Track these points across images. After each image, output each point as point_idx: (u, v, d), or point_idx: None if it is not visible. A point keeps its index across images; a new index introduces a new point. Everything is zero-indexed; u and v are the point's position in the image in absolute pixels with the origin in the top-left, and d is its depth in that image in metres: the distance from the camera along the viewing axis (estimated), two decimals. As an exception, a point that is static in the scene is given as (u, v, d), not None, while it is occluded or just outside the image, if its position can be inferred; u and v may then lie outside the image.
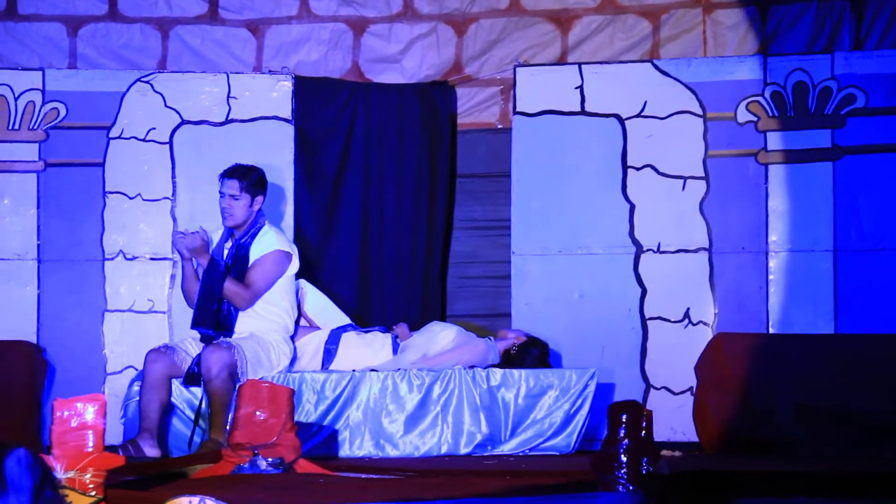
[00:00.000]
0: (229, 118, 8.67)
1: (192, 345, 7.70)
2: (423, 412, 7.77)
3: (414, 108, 9.01)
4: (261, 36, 9.09)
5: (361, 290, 8.94)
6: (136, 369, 8.10)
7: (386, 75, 9.12)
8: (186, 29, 9.04)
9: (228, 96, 8.67)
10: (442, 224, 9.03)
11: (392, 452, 7.71)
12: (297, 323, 8.02)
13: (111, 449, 6.49)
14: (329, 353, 8.03)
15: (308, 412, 7.67)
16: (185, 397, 7.64)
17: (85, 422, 5.20)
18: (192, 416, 7.60)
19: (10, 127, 8.51)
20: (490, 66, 9.09)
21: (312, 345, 8.05)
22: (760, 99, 8.44)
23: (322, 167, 8.95)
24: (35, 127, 8.52)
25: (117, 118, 8.58)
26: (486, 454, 7.75)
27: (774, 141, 8.42)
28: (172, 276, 8.50)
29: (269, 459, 6.21)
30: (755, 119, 8.44)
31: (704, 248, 8.46)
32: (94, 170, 8.56)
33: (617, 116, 8.60)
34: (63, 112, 8.54)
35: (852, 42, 8.56)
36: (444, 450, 7.75)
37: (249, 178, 7.79)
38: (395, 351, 8.09)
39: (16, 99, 8.52)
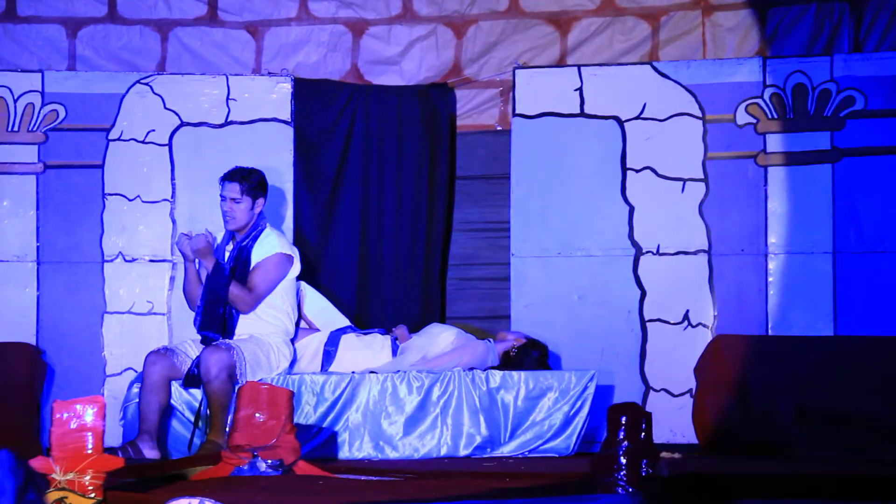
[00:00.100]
0: (228, 120, 8.67)
1: (191, 347, 7.70)
2: (423, 414, 7.77)
3: (413, 109, 9.01)
4: (260, 38, 9.09)
5: (361, 292, 8.94)
6: (136, 371, 8.09)
7: (385, 77, 9.12)
8: (186, 31, 9.04)
9: (228, 98, 8.67)
10: (441, 226, 9.03)
11: (391, 454, 7.71)
12: (296, 325, 8.02)
13: (110, 451, 6.49)
14: (328, 354, 8.03)
15: (307, 414, 7.66)
16: (185, 399, 7.64)
17: (84, 424, 5.20)
18: (192, 418, 7.60)
19: (10, 129, 8.51)
20: (489, 68, 9.09)
21: (312, 346, 8.05)
22: (760, 101, 8.44)
23: (321, 169, 8.96)
24: (34, 129, 8.52)
25: (116, 120, 8.58)
26: (485, 456, 7.75)
27: (774, 143, 8.42)
28: (172, 278, 8.50)
29: (269, 461, 6.21)
30: (754, 121, 8.44)
31: (704, 250, 8.46)
32: (93, 172, 8.56)
33: (616, 118, 8.60)
34: (62, 114, 8.54)
35: (851, 44, 8.57)
36: (443, 452, 7.75)
37: (250, 181, 7.79)
38: (394, 353, 8.09)
39: (15, 101, 8.52)
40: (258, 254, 7.77)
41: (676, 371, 8.34)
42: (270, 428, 6.28)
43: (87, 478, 5.13)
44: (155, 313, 8.51)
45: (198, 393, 7.55)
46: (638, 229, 8.53)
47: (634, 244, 8.52)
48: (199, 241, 7.67)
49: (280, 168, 8.57)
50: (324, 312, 8.32)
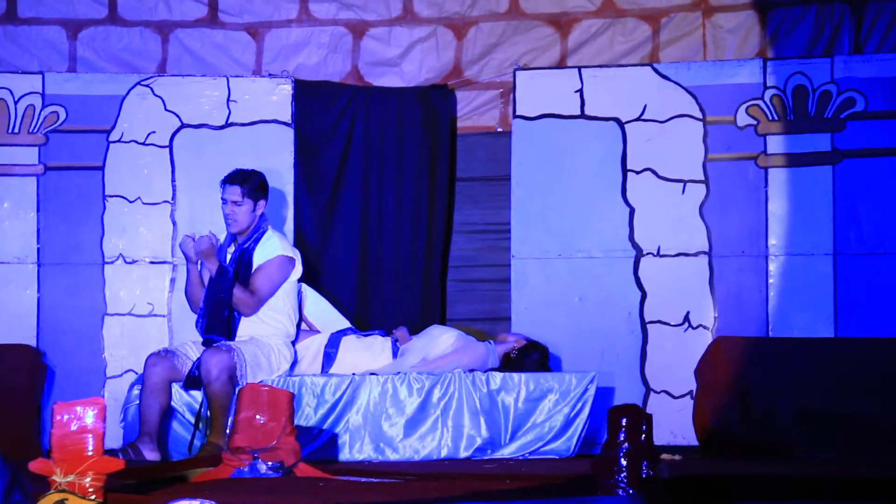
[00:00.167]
0: (229, 122, 8.67)
1: (192, 348, 7.70)
2: (423, 416, 7.77)
3: (414, 111, 9.01)
4: (260, 39, 9.10)
5: (361, 294, 8.94)
6: (136, 373, 8.09)
7: (385, 79, 9.12)
8: (186, 32, 9.04)
9: (228, 100, 8.67)
10: (441, 227, 9.03)
11: (392, 456, 7.71)
12: (297, 327, 8.02)
13: (111, 453, 6.49)
14: (329, 356, 8.03)
15: (308, 416, 7.66)
16: (185, 401, 7.63)
17: (85, 425, 5.19)
18: (193, 420, 7.60)
19: (10, 130, 8.51)
20: (490, 70, 9.09)
21: (312, 348, 8.05)
22: (760, 102, 8.44)
23: (322, 170, 8.96)
24: (35, 130, 8.52)
25: (117, 122, 8.58)
26: (485, 458, 7.74)
27: (774, 144, 8.42)
28: (172, 280, 8.50)
29: (269, 463, 6.21)
30: (755, 123, 8.44)
31: (704, 252, 8.46)
32: (93, 173, 8.56)
33: (617, 120, 8.60)
34: (63, 116, 8.54)
35: (852, 46, 8.57)
36: (443, 453, 7.75)
37: (251, 183, 7.79)
38: (394, 354, 8.09)
39: (15, 102, 8.52)
40: (260, 256, 7.77)
41: (677, 373, 8.34)
42: (271, 430, 6.27)
43: (88, 479, 5.12)
44: (155, 315, 8.51)
45: (198, 395, 7.55)
46: (638, 231, 8.53)
47: (635, 246, 8.52)
48: (202, 243, 7.67)
49: (280, 170, 8.57)
50: (324, 314, 8.32)
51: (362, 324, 8.64)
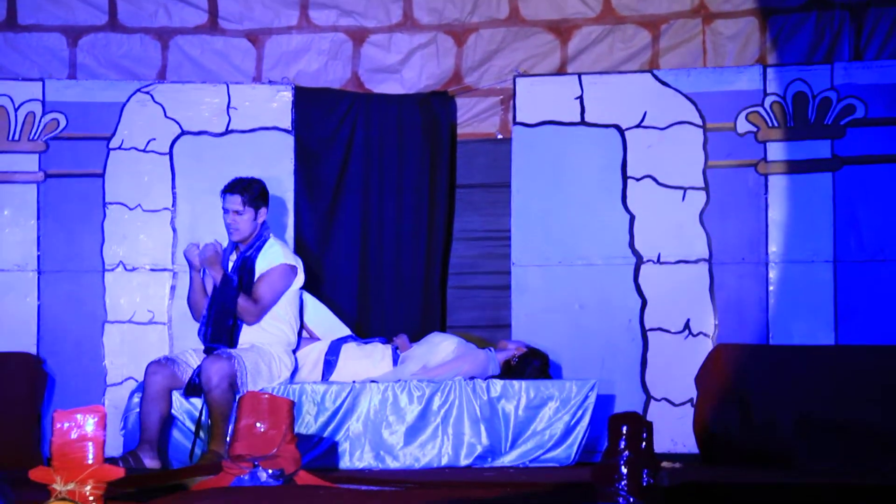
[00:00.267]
0: (229, 129, 8.67)
1: (192, 356, 7.70)
2: (424, 423, 7.77)
3: (414, 118, 9.02)
4: (261, 46, 9.10)
5: (361, 301, 8.94)
6: (137, 381, 8.09)
7: (385, 85, 9.12)
8: (186, 39, 9.04)
9: (228, 107, 8.67)
10: (442, 234, 9.03)
11: (392, 464, 7.70)
12: (298, 335, 8.01)
13: (111, 461, 6.48)
14: (329, 364, 8.02)
15: (308, 424, 7.66)
16: (186, 408, 7.63)
17: (85, 433, 5.19)
18: (193, 428, 7.59)
19: (10, 138, 8.51)
20: (490, 77, 9.09)
21: (312, 356, 8.05)
22: (760, 109, 8.44)
23: (322, 177, 8.96)
24: (35, 138, 8.52)
25: (117, 129, 8.58)
26: (486, 466, 7.74)
27: (774, 151, 8.42)
28: (173, 287, 8.50)
29: (270, 471, 6.20)
30: (755, 129, 8.44)
31: (704, 259, 8.46)
32: (94, 180, 8.56)
33: (617, 127, 8.60)
34: (63, 123, 8.54)
35: (852, 52, 8.57)
36: (444, 461, 7.74)
37: (251, 192, 7.78)
38: (395, 362, 8.08)
39: (16, 110, 8.52)
40: (262, 264, 7.76)
41: (677, 380, 8.34)
42: (271, 438, 6.27)
43: (88, 488, 5.12)
44: (156, 323, 8.51)
45: (198, 402, 7.54)
46: (638, 238, 8.53)
47: (635, 253, 8.52)
48: (207, 251, 7.66)
49: (281, 177, 8.57)
50: (324, 321, 8.32)
51: (362, 331, 8.64)
